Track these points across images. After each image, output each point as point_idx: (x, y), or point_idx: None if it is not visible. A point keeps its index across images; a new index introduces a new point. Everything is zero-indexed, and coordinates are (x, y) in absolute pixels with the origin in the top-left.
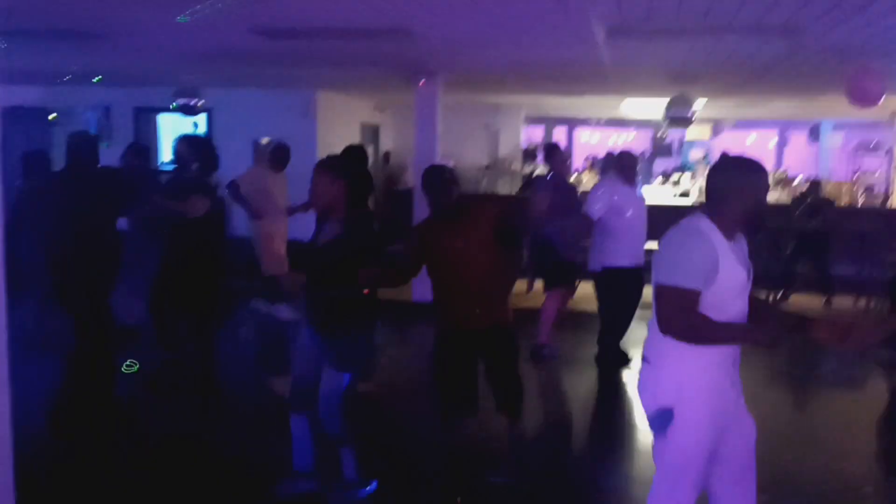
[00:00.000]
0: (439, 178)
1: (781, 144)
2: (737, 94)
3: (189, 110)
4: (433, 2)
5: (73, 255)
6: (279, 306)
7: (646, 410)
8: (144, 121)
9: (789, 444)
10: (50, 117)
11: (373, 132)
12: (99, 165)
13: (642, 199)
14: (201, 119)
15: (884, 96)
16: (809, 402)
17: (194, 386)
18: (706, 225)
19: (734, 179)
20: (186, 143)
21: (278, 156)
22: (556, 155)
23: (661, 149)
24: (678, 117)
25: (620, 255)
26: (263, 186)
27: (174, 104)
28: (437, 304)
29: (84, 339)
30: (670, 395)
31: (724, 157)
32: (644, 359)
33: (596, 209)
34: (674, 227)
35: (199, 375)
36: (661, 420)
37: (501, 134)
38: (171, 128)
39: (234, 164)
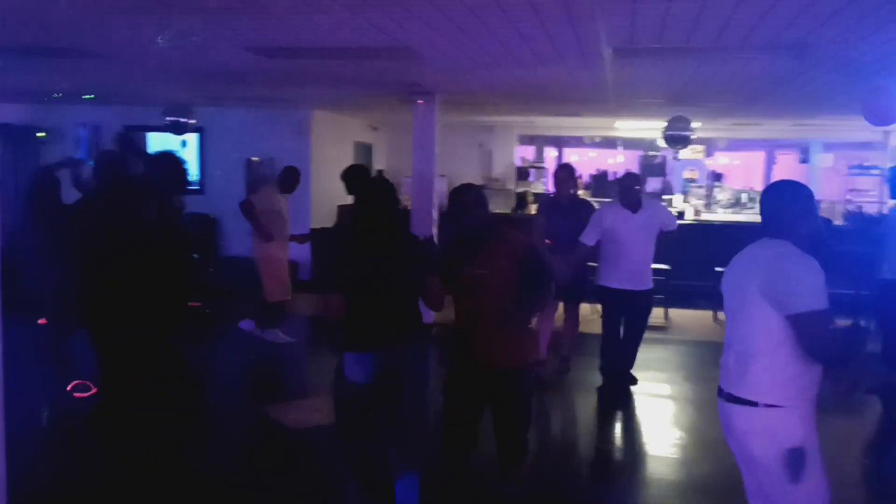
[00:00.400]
0: (470, 199)
1: (770, 164)
2: (733, 115)
3: (179, 128)
4: (437, 21)
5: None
6: (273, 331)
7: (764, 457)
8: (134, 140)
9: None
10: (38, 135)
11: (366, 151)
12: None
13: (645, 221)
14: (191, 137)
15: None
16: None
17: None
18: (794, 248)
19: (801, 203)
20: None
21: (291, 177)
22: (559, 175)
23: (650, 168)
24: (678, 137)
25: (612, 277)
26: (276, 208)
27: (164, 121)
28: (456, 333)
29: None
30: (797, 435)
31: (785, 184)
32: (745, 401)
33: (588, 236)
34: (768, 257)
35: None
36: (795, 462)
37: (494, 153)
38: (161, 146)
39: (225, 182)
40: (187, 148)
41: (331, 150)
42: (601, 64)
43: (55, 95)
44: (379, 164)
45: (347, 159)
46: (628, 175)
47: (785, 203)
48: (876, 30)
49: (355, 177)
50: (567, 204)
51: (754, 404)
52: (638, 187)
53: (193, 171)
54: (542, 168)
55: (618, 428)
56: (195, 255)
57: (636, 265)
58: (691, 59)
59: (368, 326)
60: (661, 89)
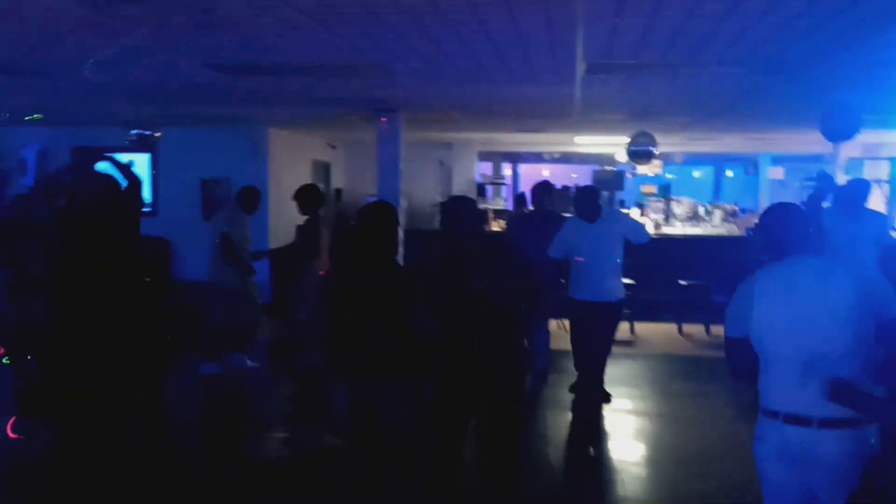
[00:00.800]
0: (469, 212)
1: (719, 178)
2: (691, 130)
3: (146, 144)
4: (410, 35)
5: None
6: (239, 356)
7: (853, 478)
8: (84, 161)
9: None
10: None
11: (324, 169)
12: None
13: (605, 232)
14: (142, 158)
15: (858, 132)
16: None
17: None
18: (855, 261)
19: (813, 222)
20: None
21: (252, 198)
22: (538, 191)
23: (604, 183)
24: (641, 152)
25: (578, 289)
26: (247, 235)
27: (129, 137)
28: (444, 350)
29: None
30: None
31: (794, 206)
32: (850, 421)
33: (553, 249)
34: (845, 269)
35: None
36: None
37: (454, 170)
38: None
39: (179, 204)
40: (136, 168)
41: (288, 169)
42: (572, 80)
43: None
44: (337, 182)
45: (305, 178)
46: (585, 187)
47: (804, 223)
48: (846, 48)
49: (307, 197)
50: (540, 219)
51: (857, 423)
52: (595, 199)
53: (145, 193)
54: (504, 185)
55: (596, 446)
56: (146, 279)
57: (599, 276)
58: (664, 75)
59: (346, 356)
60: (626, 105)
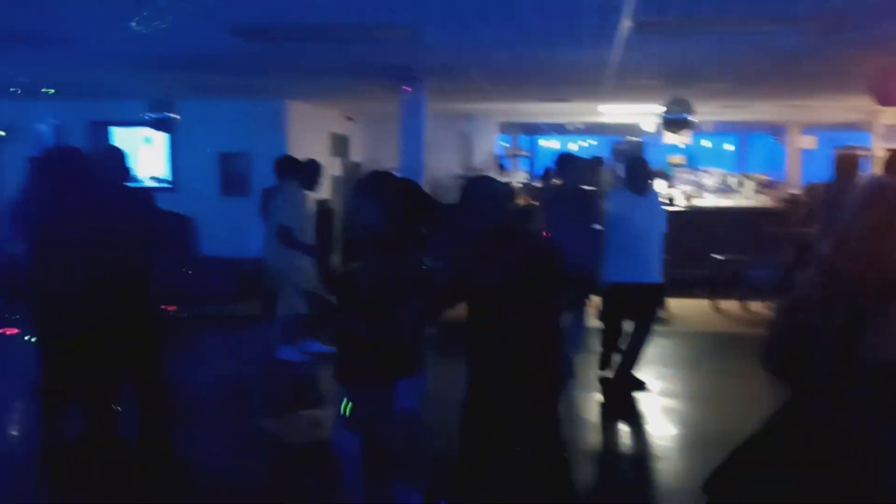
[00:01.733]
0: (497, 193)
1: (744, 148)
2: (728, 97)
3: (164, 125)
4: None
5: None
6: (314, 342)
7: None
8: (100, 136)
9: None
10: None
11: (342, 142)
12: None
13: (654, 205)
14: (158, 133)
15: None
16: None
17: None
18: None
19: None
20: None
21: (314, 173)
22: (570, 165)
23: (622, 153)
24: (677, 120)
25: (620, 269)
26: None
27: (147, 117)
28: (474, 349)
29: None
30: None
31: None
32: None
33: (609, 224)
34: None
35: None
36: None
37: (475, 142)
38: (127, 142)
39: (198, 179)
40: (152, 144)
41: (306, 142)
42: (612, 41)
43: (12, 90)
44: (356, 156)
45: (323, 152)
46: (635, 157)
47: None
48: None
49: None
50: (571, 194)
51: None
52: (647, 169)
53: (164, 168)
54: (526, 157)
55: (630, 432)
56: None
57: (647, 255)
58: (713, 35)
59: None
60: (665, 70)
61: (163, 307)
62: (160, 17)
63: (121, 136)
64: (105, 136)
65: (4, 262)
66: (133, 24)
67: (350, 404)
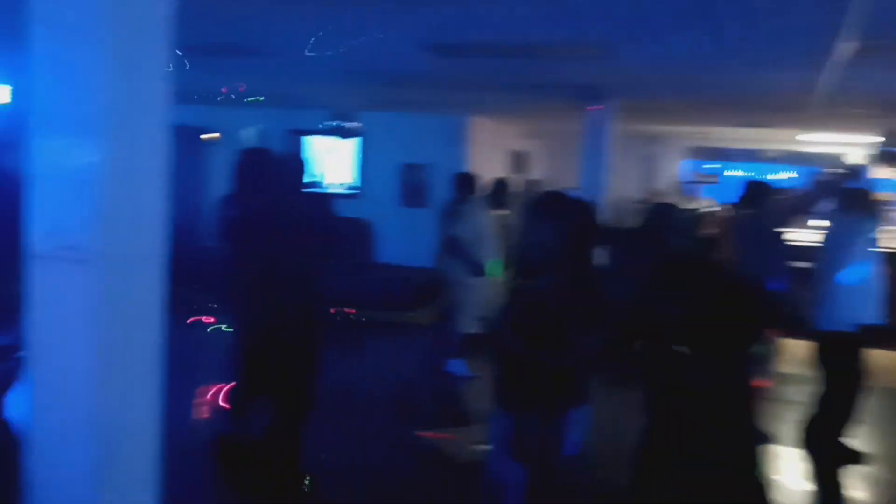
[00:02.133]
0: (681, 221)
1: None
2: None
3: (344, 133)
4: (648, 10)
5: None
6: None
7: None
8: (294, 143)
9: None
10: (207, 137)
11: (521, 160)
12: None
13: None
14: (350, 143)
15: None
16: None
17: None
18: None
19: None
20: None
21: (501, 191)
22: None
23: (825, 187)
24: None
25: (833, 314)
26: (487, 233)
27: (329, 125)
28: (653, 395)
29: None
30: None
31: None
32: None
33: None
34: None
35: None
36: None
37: (659, 166)
38: (321, 150)
39: (381, 187)
40: (343, 152)
41: (486, 157)
42: (824, 64)
43: (223, 97)
44: (535, 174)
45: (502, 168)
46: (851, 185)
47: None
48: None
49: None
50: (763, 223)
51: None
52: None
53: (353, 176)
54: (714, 183)
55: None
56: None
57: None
58: None
59: None
60: (882, 97)
61: (342, 309)
62: (360, 34)
63: (315, 144)
64: (298, 143)
65: (203, 255)
66: (331, 39)
67: (517, 431)
